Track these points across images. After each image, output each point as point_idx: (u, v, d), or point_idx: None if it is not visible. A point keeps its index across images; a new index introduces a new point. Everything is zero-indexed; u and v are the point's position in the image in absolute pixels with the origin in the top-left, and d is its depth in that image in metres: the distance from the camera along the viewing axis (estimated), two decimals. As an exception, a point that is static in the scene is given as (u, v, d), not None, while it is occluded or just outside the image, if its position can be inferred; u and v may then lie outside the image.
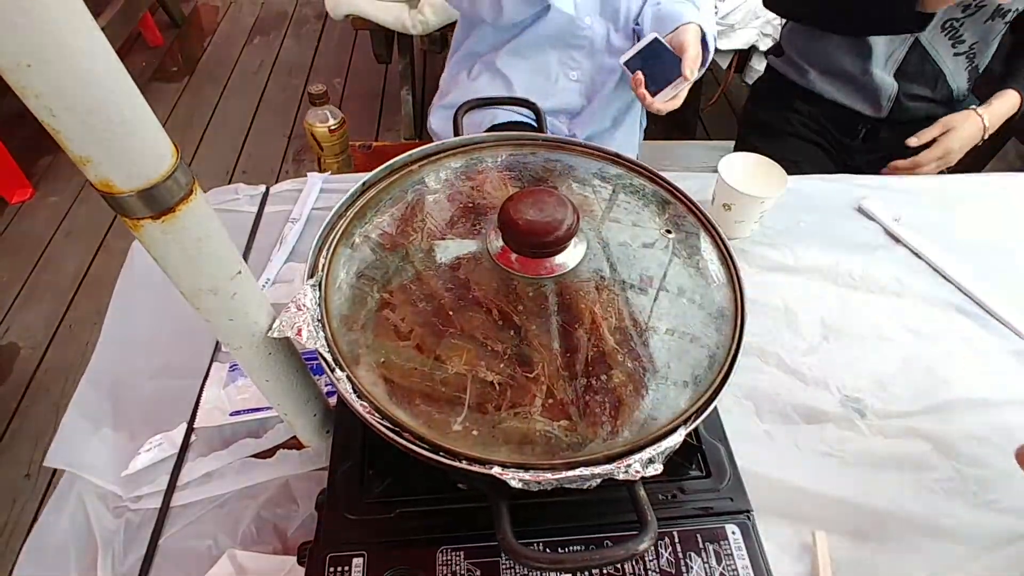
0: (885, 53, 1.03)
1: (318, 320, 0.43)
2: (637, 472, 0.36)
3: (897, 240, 0.84)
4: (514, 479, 0.35)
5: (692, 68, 0.86)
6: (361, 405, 0.39)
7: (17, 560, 0.48)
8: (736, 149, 1.19)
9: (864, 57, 1.04)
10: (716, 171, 0.80)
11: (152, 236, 0.32)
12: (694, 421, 0.39)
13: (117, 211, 0.30)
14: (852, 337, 0.72)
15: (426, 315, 0.44)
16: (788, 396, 0.66)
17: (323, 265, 0.47)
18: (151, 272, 0.71)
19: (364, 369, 0.41)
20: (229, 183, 2.04)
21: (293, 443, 0.57)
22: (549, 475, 0.35)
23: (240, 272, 0.37)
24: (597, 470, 0.36)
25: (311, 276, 0.45)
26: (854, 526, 0.56)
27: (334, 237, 0.49)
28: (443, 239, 0.49)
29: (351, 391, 0.39)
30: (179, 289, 0.35)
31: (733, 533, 0.44)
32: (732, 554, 0.43)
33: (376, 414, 0.39)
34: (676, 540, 0.44)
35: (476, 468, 0.36)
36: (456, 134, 0.62)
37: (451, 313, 0.44)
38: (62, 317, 1.68)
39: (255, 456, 0.56)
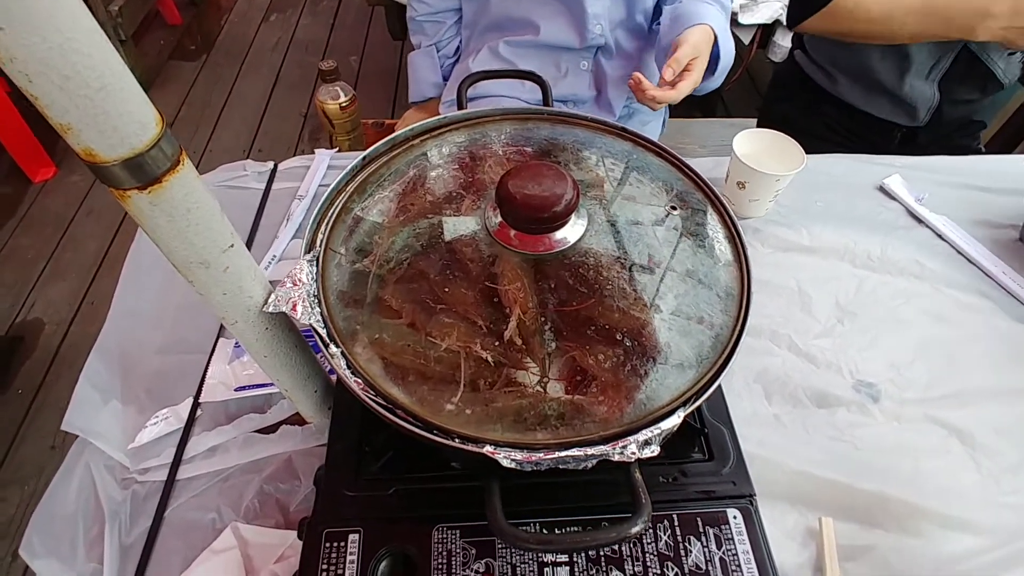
0: (928, 63, 0.95)
1: (314, 295, 0.42)
2: (633, 454, 0.35)
3: (919, 221, 0.81)
4: (506, 459, 0.35)
5: (673, 68, 0.79)
6: (355, 382, 0.38)
7: (26, 530, 0.49)
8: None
9: (902, 68, 0.96)
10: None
11: (140, 207, 0.31)
12: (693, 403, 0.38)
13: (103, 181, 0.30)
14: (868, 320, 0.70)
15: (423, 292, 0.43)
16: (799, 379, 0.64)
17: (321, 240, 0.46)
18: (153, 258, 0.72)
19: (360, 346, 0.41)
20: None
21: (296, 419, 0.57)
22: (542, 455, 0.35)
23: (233, 246, 0.36)
24: (591, 451, 0.35)
25: (308, 251, 0.45)
26: (863, 513, 0.55)
27: (333, 212, 0.48)
28: (443, 215, 0.48)
29: (345, 367, 0.39)
30: (171, 261, 0.35)
31: (735, 517, 0.44)
32: (732, 538, 0.43)
33: (370, 391, 0.38)
34: (676, 523, 0.43)
35: (469, 447, 0.35)
36: (460, 108, 0.61)
37: (448, 290, 0.43)
38: (84, 294, 1.72)
39: (259, 431, 0.56)
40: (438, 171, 0.52)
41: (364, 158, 0.52)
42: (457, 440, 0.36)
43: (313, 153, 0.85)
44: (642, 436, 0.36)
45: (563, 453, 0.35)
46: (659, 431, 0.36)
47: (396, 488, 0.44)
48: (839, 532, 0.53)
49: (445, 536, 0.42)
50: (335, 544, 0.41)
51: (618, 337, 0.41)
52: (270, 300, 0.40)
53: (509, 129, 0.56)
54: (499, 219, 0.44)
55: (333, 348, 0.40)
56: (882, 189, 0.85)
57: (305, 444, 0.55)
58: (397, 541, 0.42)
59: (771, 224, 0.80)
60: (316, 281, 0.43)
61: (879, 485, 0.56)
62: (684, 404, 0.38)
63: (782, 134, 0.78)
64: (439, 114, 0.83)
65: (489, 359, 0.41)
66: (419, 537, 0.42)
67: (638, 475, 0.36)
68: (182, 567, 0.49)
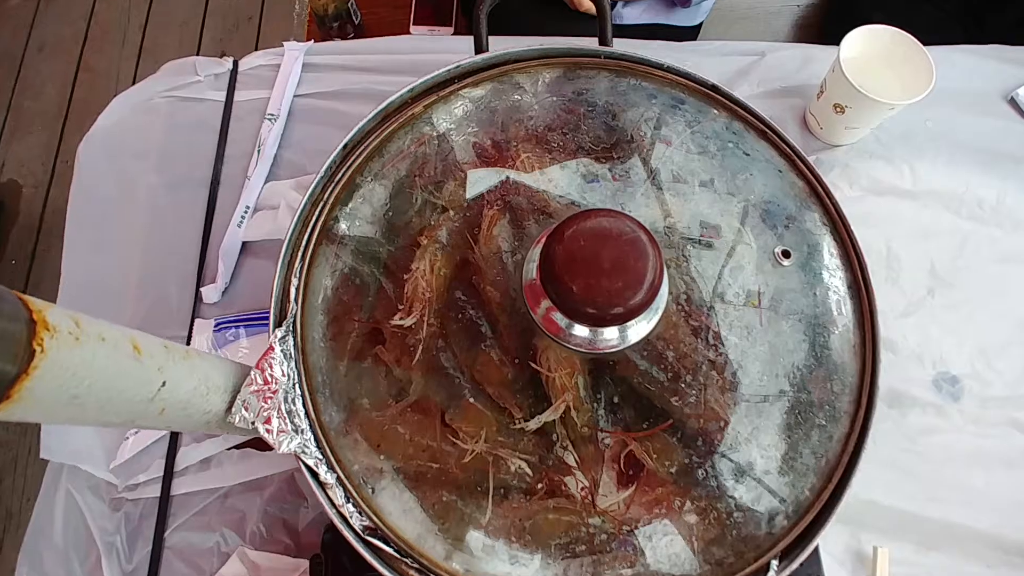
0: None
1: (294, 387, 0.32)
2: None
3: (1052, 151, 0.65)
4: (552, 649, 0.28)
5: None
6: (361, 523, 0.30)
7: (15, 567, 0.45)
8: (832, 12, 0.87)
9: None
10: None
11: (5, 416, 0.20)
12: (792, 559, 0.30)
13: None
14: (964, 292, 0.58)
15: (443, 366, 0.33)
16: (872, 374, 0.55)
17: (297, 289, 0.34)
18: (102, 205, 0.57)
19: (361, 459, 0.32)
20: (205, 8, 1.72)
21: (295, 433, 0.50)
22: (597, 648, 0.28)
23: (164, 384, 0.25)
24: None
25: (279, 323, 0.33)
26: (921, 536, 0.50)
27: (309, 239, 0.35)
28: (459, 244, 0.35)
29: (344, 501, 0.30)
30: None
31: (798, 608, 0.38)
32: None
33: (374, 535, 0.30)
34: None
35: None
36: (478, 41, 0.43)
37: (474, 364, 0.32)
38: (56, 152, 1.55)
39: (254, 447, 0.50)
40: (449, 157, 0.38)
41: (345, 146, 0.37)
42: (490, 614, 0.29)
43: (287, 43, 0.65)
44: (723, 616, 0.28)
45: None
46: (744, 605, 0.29)
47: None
48: (892, 557, 0.49)
49: (472, 631, 0.37)
50: (350, 642, 0.37)
51: (698, 473, 0.31)
52: (234, 410, 0.30)
53: (551, 80, 0.39)
54: (539, 279, 0.32)
55: (326, 474, 0.30)
56: (1014, 102, 0.67)
57: (308, 463, 0.49)
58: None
59: (864, 156, 0.63)
60: (296, 370, 0.32)
61: (944, 508, 0.50)
62: (779, 558, 0.30)
63: (907, 36, 0.58)
64: None
65: (527, 467, 0.32)
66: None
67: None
68: (191, 593, 0.47)
